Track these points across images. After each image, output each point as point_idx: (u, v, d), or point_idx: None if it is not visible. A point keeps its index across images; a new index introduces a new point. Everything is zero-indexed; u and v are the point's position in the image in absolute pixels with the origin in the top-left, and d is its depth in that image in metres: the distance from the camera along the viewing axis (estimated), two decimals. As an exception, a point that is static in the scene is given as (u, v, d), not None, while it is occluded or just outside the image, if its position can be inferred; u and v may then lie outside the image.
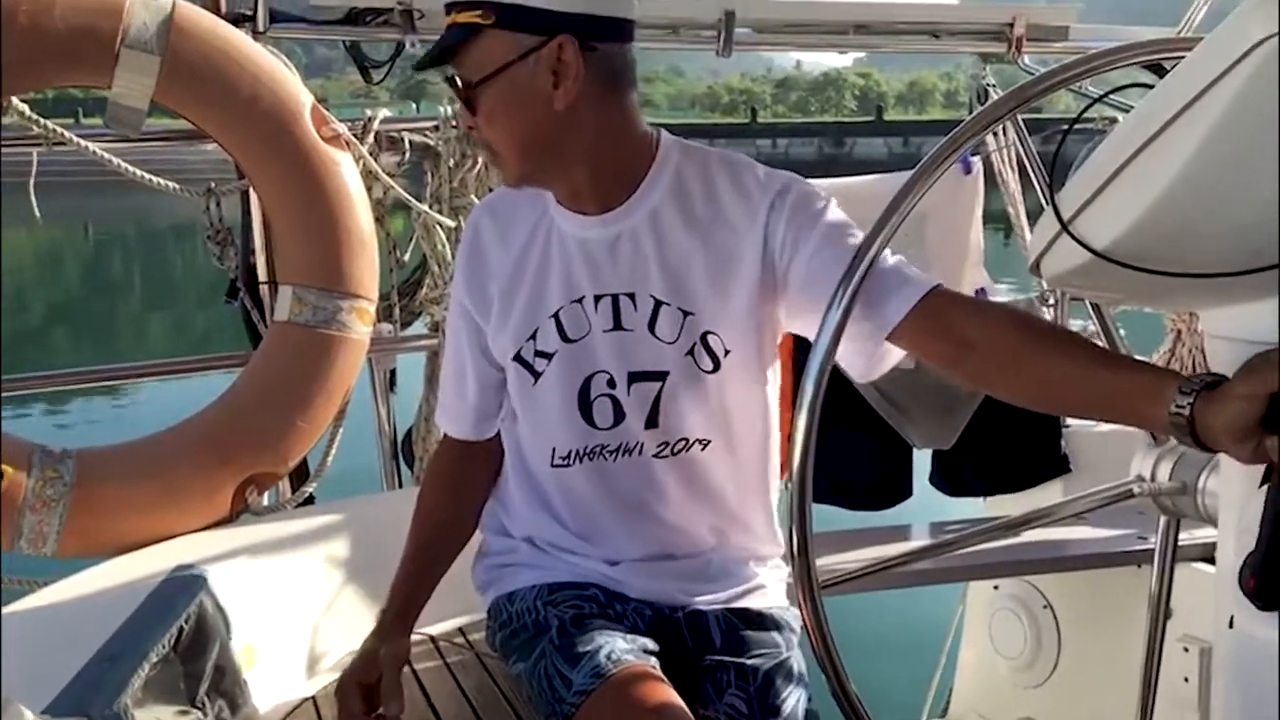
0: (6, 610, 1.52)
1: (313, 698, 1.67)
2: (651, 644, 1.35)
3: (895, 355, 1.33)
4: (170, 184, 1.98)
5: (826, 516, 2.63)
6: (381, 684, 1.42)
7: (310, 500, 2.14)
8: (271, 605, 1.76)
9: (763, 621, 1.45)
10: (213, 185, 1.99)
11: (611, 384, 1.38)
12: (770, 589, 1.50)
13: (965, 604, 2.84)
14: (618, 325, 1.37)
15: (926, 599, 2.97)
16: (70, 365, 2.35)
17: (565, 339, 1.39)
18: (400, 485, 2.40)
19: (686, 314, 1.35)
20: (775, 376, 1.46)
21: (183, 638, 1.51)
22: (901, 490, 2.67)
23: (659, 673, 1.29)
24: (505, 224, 1.45)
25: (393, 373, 2.35)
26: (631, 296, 1.36)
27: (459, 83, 1.32)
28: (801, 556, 1.29)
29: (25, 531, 1.67)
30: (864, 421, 2.56)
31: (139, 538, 1.75)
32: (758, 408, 1.44)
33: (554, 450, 1.43)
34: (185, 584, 1.61)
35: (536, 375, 1.41)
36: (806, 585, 1.29)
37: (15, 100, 1.78)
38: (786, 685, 1.39)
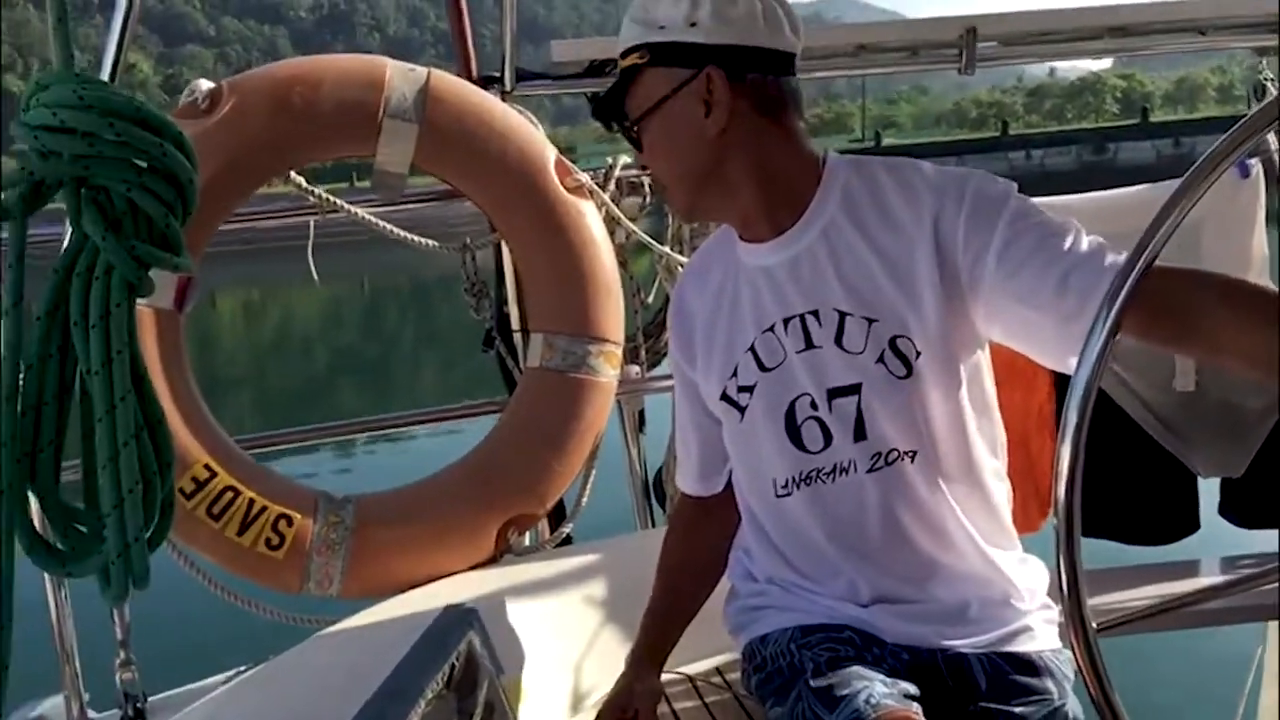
0: (296, 649, 1.63)
1: (576, 735, 1.71)
2: (913, 688, 1.30)
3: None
4: (430, 242, 2.11)
5: (1105, 553, 2.47)
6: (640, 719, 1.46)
7: (568, 540, 2.19)
8: (535, 643, 1.81)
9: (1031, 667, 1.37)
10: (468, 240, 2.10)
11: (814, 405, 1.38)
12: (1037, 630, 1.41)
13: (1265, 645, 2.58)
14: (809, 344, 1.37)
15: (1220, 640, 2.72)
16: (353, 412, 2.51)
17: (763, 368, 1.41)
18: (653, 524, 2.43)
19: (871, 321, 1.33)
20: (980, 387, 1.40)
21: (454, 674, 1.58)
22: (1187, 523, 2.46)
23: (920, 717, 1.24)
24: (702, 276, 1.51)
25: (641, 413, 2.39)
26: (816, 314, 1.36)
27: (626, 123, 1.41)
28: (1072, 595, 1.20)
29: (313, 574, 1.79)
30: (1140, 449, 2.39)
31: (412, 578, 1.84)
32: (957, 416, 1.38)
33: (774, 482, 1.43)
34: (456, 622, 1.68)
35: (742, 410, 1.43)
36: (1079, 626, 1.20)
37: (293, 174, 1.94)
38: None
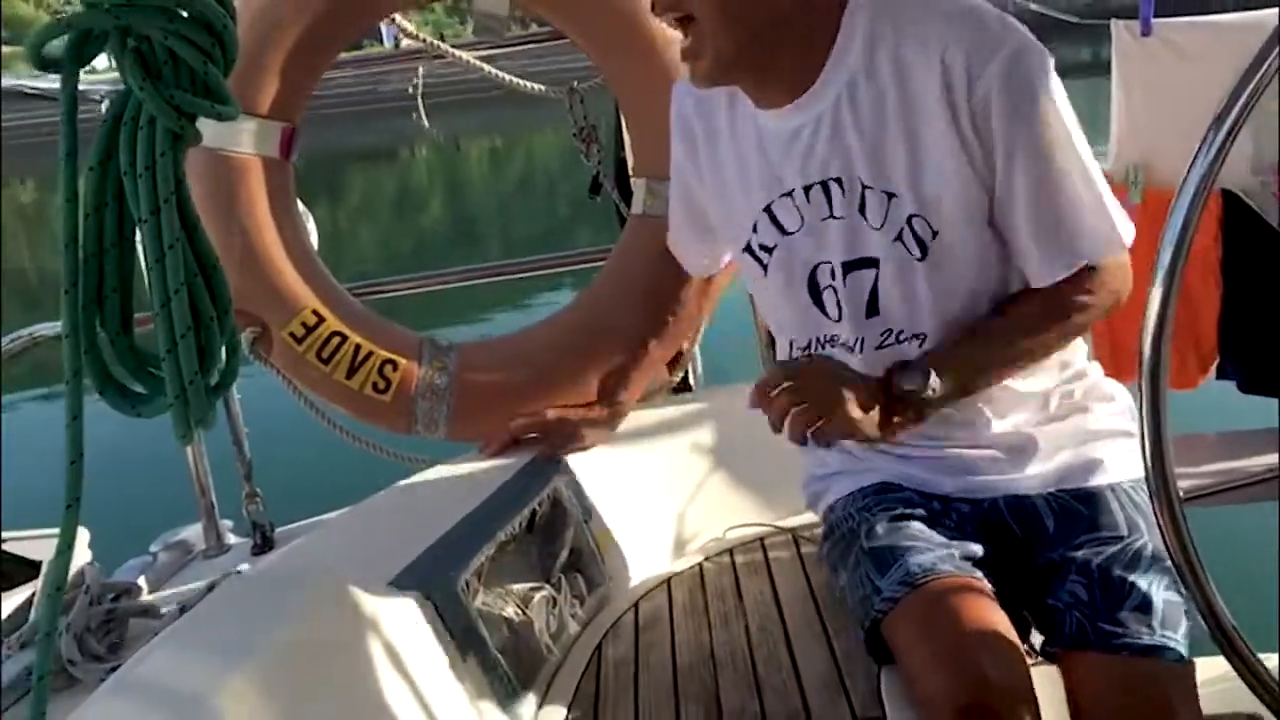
0: (391, 489, 1.69)
1: (668, 580, 1.72)
2: (977, 548, 1.25)
3: None
4: (536, 85, 2.07)
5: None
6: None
7: (687, 387, 2.16)
8: (635, 490, 1.82)
9: (1102, 502, 1.29)
10: (575, 84, 2.04)
11: (833, 275, 1.32)
12: (1109, 462, 1.32)
13: None
14: (831, 213, 1.30)
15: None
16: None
17: (783, 231, 1.35)
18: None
19: (890, 196, 1.25)
20: (1009, 263, 1.30)
21: (536, 519, 1.61)
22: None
23: (979, 581, 1.18)
24: (705, 105, 1.43)
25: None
26: (839, 181, 1.28)
27: None
28: (1156, 465, 1.09)
29: (420, 416, 1.84)
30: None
31: (519, 424, 1.86)
32: (976, 297, 1.29)
33: (792, 343, 1.41)
34: (542, 469, 1.70)
35: (764, 267, 1.40)
36: (1164, 496, 1.10)
37: (397, 18, 1.91)
38: (1134, 570, 1.21)
